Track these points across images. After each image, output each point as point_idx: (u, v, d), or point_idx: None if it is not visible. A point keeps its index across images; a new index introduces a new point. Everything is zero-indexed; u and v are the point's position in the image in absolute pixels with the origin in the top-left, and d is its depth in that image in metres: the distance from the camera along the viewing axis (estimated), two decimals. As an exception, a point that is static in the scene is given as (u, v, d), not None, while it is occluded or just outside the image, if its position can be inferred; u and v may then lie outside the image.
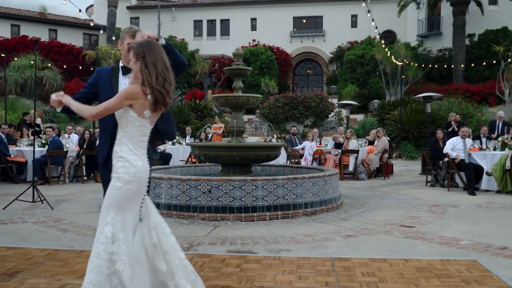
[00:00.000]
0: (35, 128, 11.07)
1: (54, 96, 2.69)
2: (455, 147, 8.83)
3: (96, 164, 10.20)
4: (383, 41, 23.07)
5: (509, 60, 21.08)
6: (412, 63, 24.20)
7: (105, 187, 2.77)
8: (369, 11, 19.59)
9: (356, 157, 10.76)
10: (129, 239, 2.57)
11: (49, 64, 23.55)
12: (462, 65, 25.25)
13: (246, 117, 21.27)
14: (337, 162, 10.89)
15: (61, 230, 5.27)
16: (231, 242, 4.73)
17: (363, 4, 22.74)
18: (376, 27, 20.56)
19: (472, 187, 8.33)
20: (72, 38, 29.97)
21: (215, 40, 34.15)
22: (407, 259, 4.02)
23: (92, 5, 36.30)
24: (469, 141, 9.10)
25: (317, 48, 33.19)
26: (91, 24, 26.04)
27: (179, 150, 12.56)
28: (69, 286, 3.32)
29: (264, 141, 13.04)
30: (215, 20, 34.76)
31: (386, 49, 23.13)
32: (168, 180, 6.09)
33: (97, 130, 11.81)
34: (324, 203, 6.38)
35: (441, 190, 8.85)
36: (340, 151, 11.00)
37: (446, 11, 27.99)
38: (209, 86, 28.18)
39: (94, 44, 30.63)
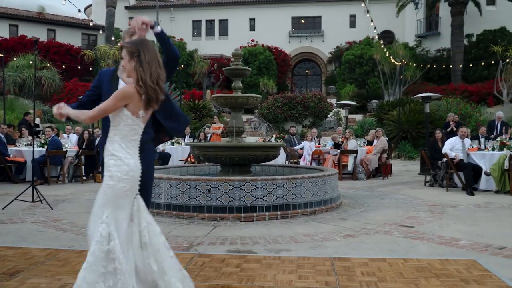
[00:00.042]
0: (34, 128, 11.06)
1: (55, 110, 2.70)
2: (453, 147, 8.86)
3: (95, 164, 10.26)
4: (381, 41, 23.10)
5: (507, 60, 21.13)
6: (410, 63, 24.24)
7: None
8: (368, 12, 19.60)
9: (355, 157, 10.78)
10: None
11: (48, 64, 23.54)
12: (461, 65, 25.30)
13: (245, 117, 21.23)
14: (336, 162, 10.91)
15: (61, 230, 5.27)
16: (231, 242, 4.73)
17: (362, 5, 22.82)
18: (375, 28, 20.58)
19: (470, 187, 8.35)
20: (70, 38, 29.94)
21: (213, 40, 34.17)
22: (407, 259, 4.03)
23: (90, 5, 36.29)
24: (467, 141, 9.13)
25: (316, 48, 33.23)
26: (91, 24, 26.00)
27: (178, 150, 12.57)
28: (69, 286, 3.31)
29: (263, 141, 13.05)
30: (213, 20, 34.77)
31: (385, 49, 23.16)
32: (168, 180, 6.10)
33: (96, 130, 11.85)
34: (323, 203, 6.39)
35: (440, 190, 8.87)
36: (339, 151, 11.02)
37: (444, 11, 28.06)
38: (207, 86, 28.18)
39: (93, 44, 30.61)
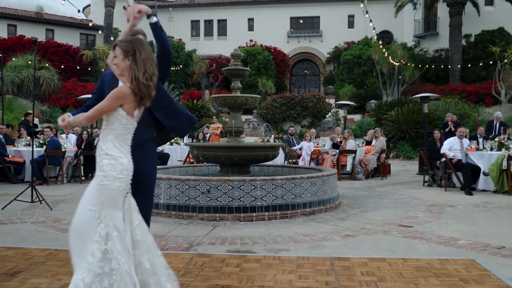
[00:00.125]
0: (33, 128, 11.05)
1: (60, 123, 2.68)
2: (452, 147, 8.88)
3: (94, 164, 10.24)
4: (380, 42, 23.12)
5: (505, 60, 21.19)
6: (409, 64, 24.28)
7: None
8: (366, 12, 19.62)
9: (354, 157, 10.79)
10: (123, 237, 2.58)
11: (46, 64, 23.50)
12: (459, 66, 25.34)
13: (243, 117, 21.19)
14: (334, 162, 10.92)
15: (60, 230, 5.27)
16: (230, 242, 4.75)
17: (361, 5, 22.80)
18: (374, 28, 20.61)
19: (469, 187, 8.38)
20: (69, 38, 29.89)
21: (212, 40, 34.15)
22: (406, 259, 4.05)
23: (89, 5, 36.23)
24: (466, 141, 9.16)
25: (314, 48, 33.24)
26: (90, 24, 25.95)
27: (177, 150, 12.57)
28: (70, 286, 3.33)
29: (262, 141, 13.07)
30: (212, 20, 34.76)
31: (383, 50, 23.20)
32: (167, 180, 6.11)
33: (95, 130, 11.84)
34: (323, 203, 6.41)
35: (439, 190, 8.89)
36: (337, 151, 11.03)
37: (442, 11, 28.09)
38: (206, 86, 28.18)
39: (91, 44, 30.58)
